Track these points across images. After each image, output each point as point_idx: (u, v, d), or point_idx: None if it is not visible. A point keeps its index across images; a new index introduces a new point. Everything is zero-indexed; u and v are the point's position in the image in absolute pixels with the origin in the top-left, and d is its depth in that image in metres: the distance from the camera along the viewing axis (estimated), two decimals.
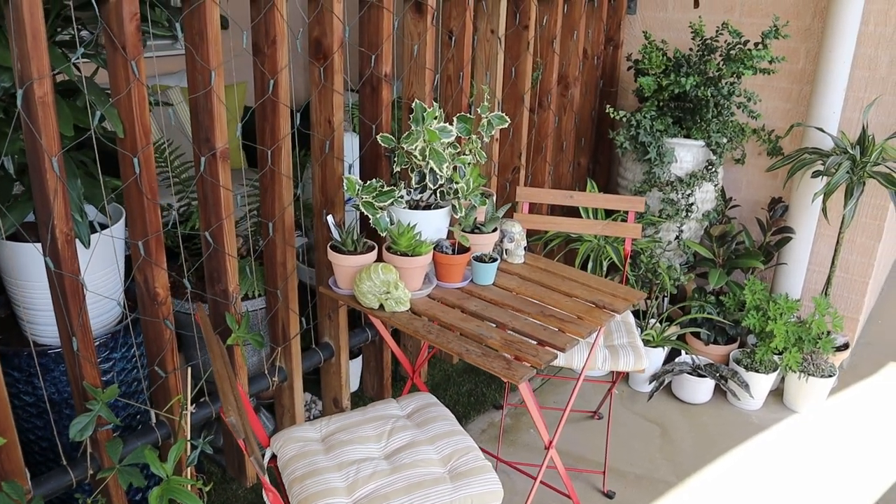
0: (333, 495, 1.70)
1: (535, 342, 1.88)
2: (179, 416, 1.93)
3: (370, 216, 2.00)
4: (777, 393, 3.17)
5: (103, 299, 2.00)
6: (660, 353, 3.13)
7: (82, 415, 1.82)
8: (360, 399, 2.86)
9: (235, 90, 3.65)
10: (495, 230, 2.20)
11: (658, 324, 3.18)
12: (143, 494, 2.27)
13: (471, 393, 3.04)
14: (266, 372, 2.32)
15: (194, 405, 2.07)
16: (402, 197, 2.07)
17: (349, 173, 2.27)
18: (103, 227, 1.98)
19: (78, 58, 1.76)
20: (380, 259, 2.05)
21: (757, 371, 3.02)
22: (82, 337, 1.79)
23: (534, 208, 2.77)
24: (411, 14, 2.49)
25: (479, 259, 2.12)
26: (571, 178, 3.58)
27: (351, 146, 2.36)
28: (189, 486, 1.73)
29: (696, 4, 3.09)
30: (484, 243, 2.19)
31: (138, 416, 2.19)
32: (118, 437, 1.93)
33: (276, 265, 2.20)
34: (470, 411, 2.93)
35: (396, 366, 3.04)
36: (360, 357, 2.88)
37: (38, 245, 1.77)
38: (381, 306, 1.94)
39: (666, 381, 3.06)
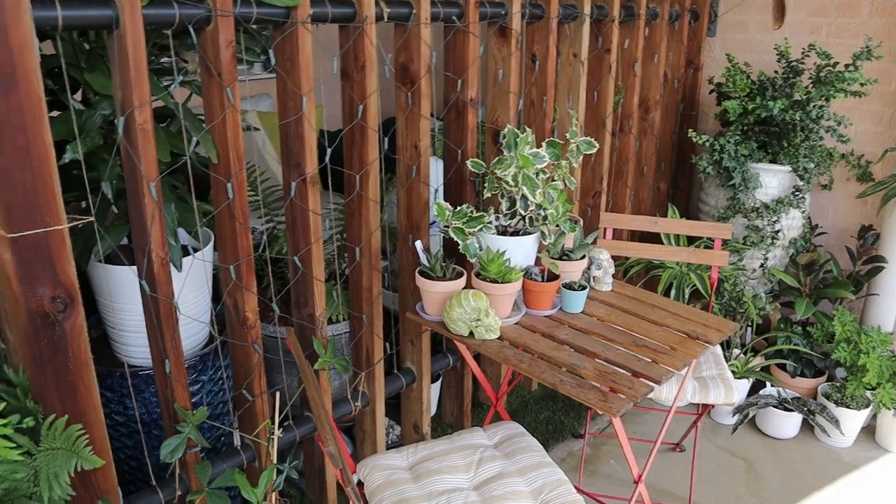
0: None
1: (629, 373, 1.82)
2: (267, 441, 1.93)
3: (459, 242, 1.97)
4: (869, 430, 3.03)
5: (192, 322, 2.02)
6: (744, 385, 3.02)
7: (173, 437, 1.82)
8: (439, 425, 2.83)
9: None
10: (583, 257, 2.15)
11: (742, 354, 3.07)
12: None
13: (549, 420, 2.98)
14: (349, 397, 2.30)
15: (281, 429, 2.07)
16: (490, 223, 2.04)
17: (434, 198, 2.26)
18: (193, 250, 2.00)
19: (175, 85, 1.78)
20: (467, 285, 2.02)
21: (848, 407, 2.89)
22: (175, 360, 1.80)
23: (614, 234, 2.71)
24: (495, 38, 2.47)
25: (569, 286, 2.08)
26: (651, 203, 3.51)
27: (435, 171, 2.35)
28: None
29: (780, 20, 2.99)
30: (572, 270, 2.14)
31: (223, 438, 2.20)
32: (206, 459, 1.94)
33: (361, 290, 2.19)
34: (548, 439, 2.87)
35: (475, 392, 3.00)
36: (439, 382, 2.85)
37: (134, 268, 1.79)
38: (472, 333, 1.91)
39: (751, 415, 2.95)
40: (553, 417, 3.00)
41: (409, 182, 2.26)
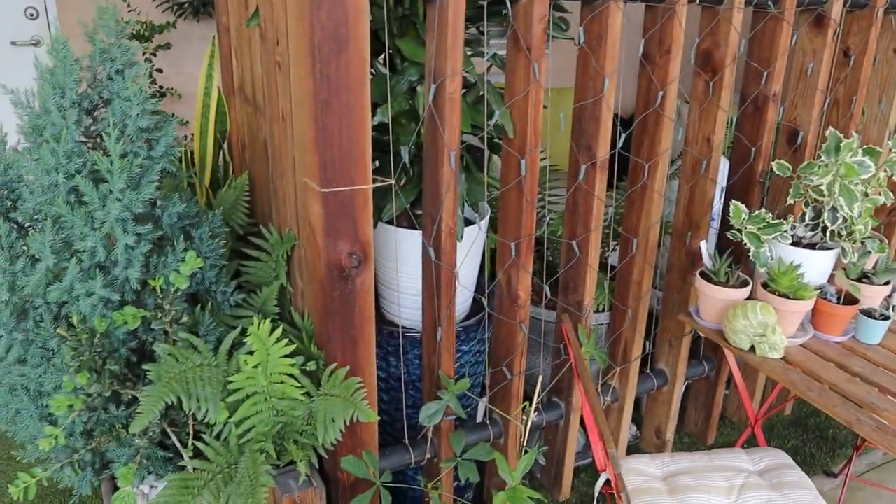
0: None
1: None
2: (521, 422, 1.92)
3: (752, 248, 1.82)
4: None
5: (462, 292, 2.04)
6: None
7: (433, 401, 1.86)
8: (677, 433, 2.69)
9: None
10: (888, 283, 1.92)
11: None
12: (457, 485, 2.30)
13: (797, 450, 2.74)
14: (598, 389, 2.24)
15: (536, 412, 2.05)
16: (786, 231, 1.86)
17: (720, 197, 2.11)
18: (470, 222, 2.01)
19: (488, 57, 1.78)
20: (751, 296, 1.87)
21: None
22: (447, 328, 1.82)
23: None
24: (808, 28, 2.25)
25: (868, 314, 1.86)
26: None
27: (722, 169, 2.19)
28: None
29: None
30: (871, 295, 1.91)
31: (468, 409, 2.23)
32: (459, 429, 1.96)
33: (630, 283, 2.11)
34: None
35: (724, 405, 2.82)
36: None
37: (419, 232, 1.83)
38: (752, 349, 1.77)
39: None
40: (802, 448, 2.76)
41: (695, 178, 2.12)
